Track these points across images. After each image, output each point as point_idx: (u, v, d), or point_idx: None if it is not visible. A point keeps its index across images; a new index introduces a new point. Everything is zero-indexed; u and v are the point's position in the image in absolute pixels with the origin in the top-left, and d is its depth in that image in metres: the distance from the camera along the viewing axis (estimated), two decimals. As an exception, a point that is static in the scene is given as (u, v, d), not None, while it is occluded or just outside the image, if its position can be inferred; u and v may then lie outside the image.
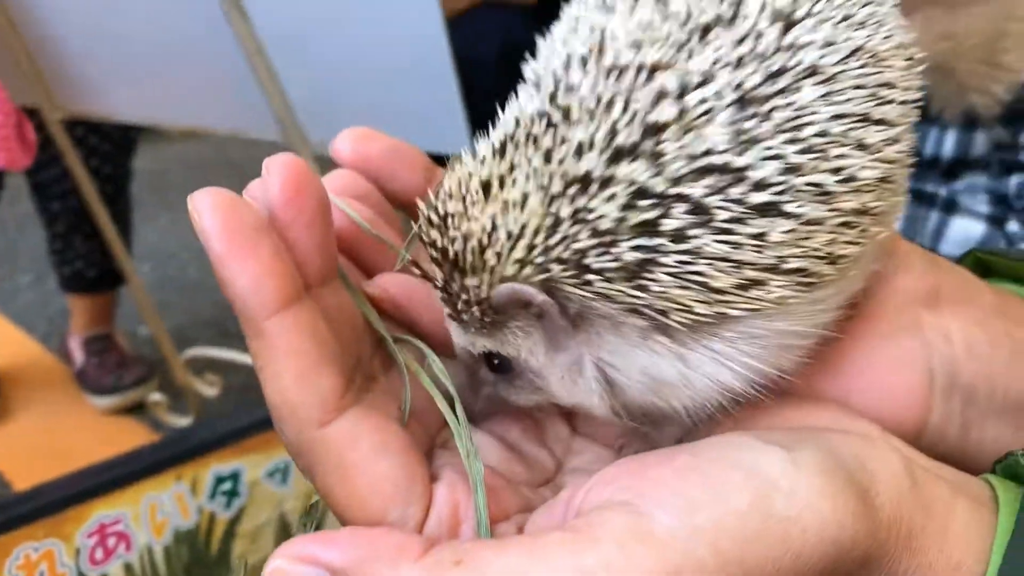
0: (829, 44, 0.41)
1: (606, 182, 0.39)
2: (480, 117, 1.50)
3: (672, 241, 0.39)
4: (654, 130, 0.39)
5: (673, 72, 0.40)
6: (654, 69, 0.40)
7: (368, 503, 0.40)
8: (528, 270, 0.41)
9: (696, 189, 0.39)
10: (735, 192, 0.39)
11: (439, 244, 0.43)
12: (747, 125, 0.39)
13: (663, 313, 0.40)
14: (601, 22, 0.43)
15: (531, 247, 0.40)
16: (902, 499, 0.40)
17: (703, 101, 0.39)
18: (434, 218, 0.43)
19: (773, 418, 0.45)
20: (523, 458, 0.48)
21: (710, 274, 0.39)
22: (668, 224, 0.39)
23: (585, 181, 0.40)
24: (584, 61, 0.42)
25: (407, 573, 0.35)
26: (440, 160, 0.51)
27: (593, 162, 0.40)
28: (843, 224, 0.41)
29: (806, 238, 0.40)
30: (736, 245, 0.39)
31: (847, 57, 0.42)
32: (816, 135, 0.40)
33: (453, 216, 0.42)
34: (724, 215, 0.39)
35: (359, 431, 0.41)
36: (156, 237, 3.28)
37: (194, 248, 3.20)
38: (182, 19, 1.41)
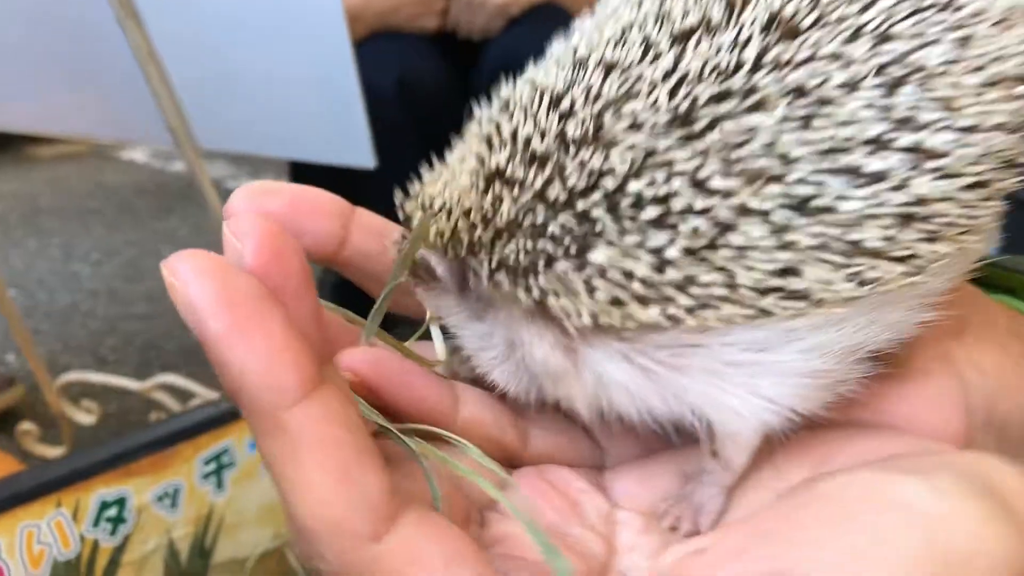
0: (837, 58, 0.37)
1: (516, 184, 0.40)
2: (380, 147, 1.48)
3: (558, 247, 0.39)
4: (567, 142, 0.39)
5: (622, 73, 0.39)
6: (608, 69, 0.40)
7: None
8: (442, 242, 0.42)
9: (586, 202, 0.39)
10: (625, 206, 0.38)
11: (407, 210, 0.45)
12: (662, 145, 0.38)
13: (552, 317, 0.40)
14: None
15: (455, 225, 0.42)
16: None
17: (633, 114, 0.38)
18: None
19: (855, 448, 0.41)
20: (570, 545, 0.41)
21: (597, 283, 0.38)
22: (554, 229, 0.39)
23: (499, 177, 0.40)
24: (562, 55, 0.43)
25: None
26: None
27: (507, 160, 0.40)
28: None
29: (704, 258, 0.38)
30: (627, 255, 0.38)
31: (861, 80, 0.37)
32: (759, 156, 0.37)
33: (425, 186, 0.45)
34: (613, 228, 0.38)
35: (424, 541, 0.33)
36: (23, 263, 3.12)
37: (64, 273, 3.05)
38: (69, 24, 1.35)
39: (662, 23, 0.40)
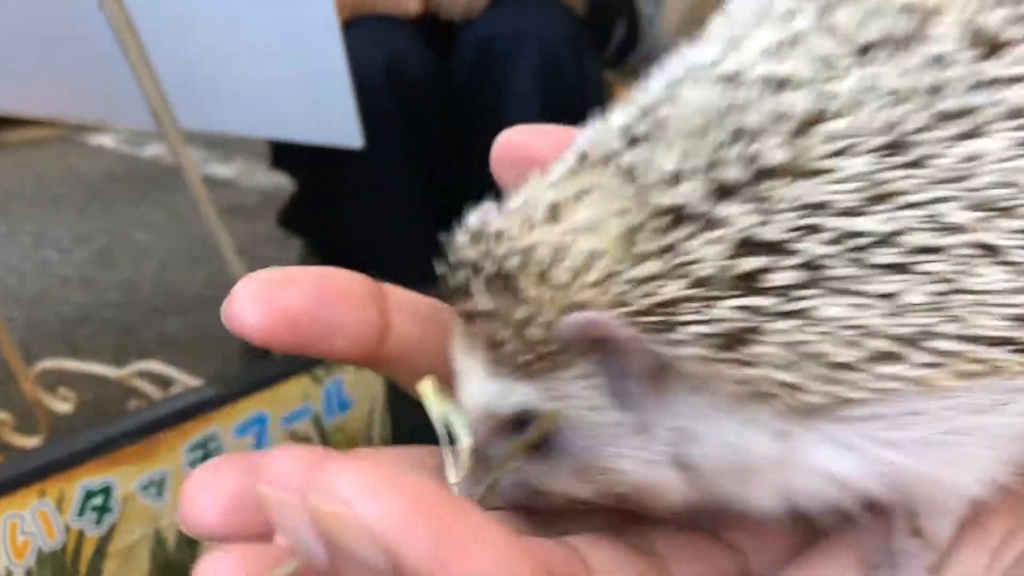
0: None
1: (708, 222, 0.32)
2: (368, 136, 1.45)
3: (779, 302, 0.32)
4: (765, 171, 0.33)
5: (808, 90, 0.33)
6: (783, 84, 0.34)
7: None
8: (605, 299, 0.33)
9: (808, 244, 0.32)
10: (853, 246, 0.32)
11: (481, 261, 0.35)
12: (887, 176, 0.32)
13: (766, 395, 0.33)
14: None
15: (610, 273, 0.33)
16: None
17: (837, 138, 0.33)
18: (476, 232, 0.36)
19: None
20: None
21: (826, 347, 0.32)
22: (775, 279, 0.32)
23: (677, 216, 0.33)
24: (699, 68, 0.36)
25: None
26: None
27: (688, 196, 0.33)
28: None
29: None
30: (859, 307, 0.32)
31: None
32: (991, 186, 0.32)
33: (507, 232, 0.35)
34: (841, 271, 0.32)
35: None
36: (-7, 249, 3.06)
37: (35, 260, 3.00)
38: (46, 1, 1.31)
39: (831, 35, 0.35)
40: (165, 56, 1.24)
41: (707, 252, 0.32)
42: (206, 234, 1.35)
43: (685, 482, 0.35)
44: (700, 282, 0.32)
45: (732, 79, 0.35)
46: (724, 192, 0.33)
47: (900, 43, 0.34)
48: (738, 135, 0.33)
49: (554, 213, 0.35)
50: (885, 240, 0.32)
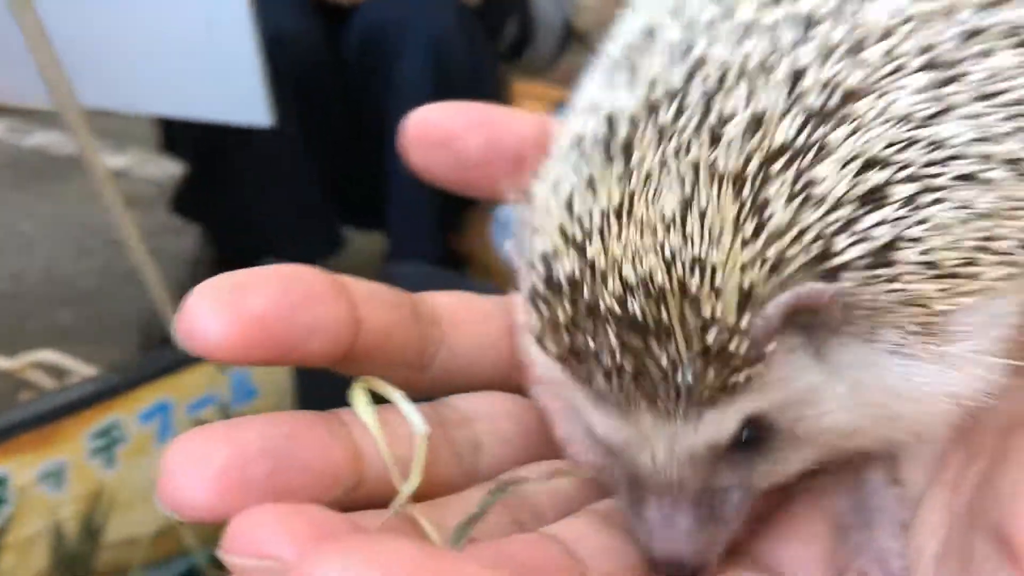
0: None
1: (820, 149, 0.32)
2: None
3: (907, 211, 0.32)
4: (846, 93, 0.33)
5: (834, 21, 0.34)
6: (809, 23, 0.35)
7: None
8: (774, 276, 0.32)
9: (911, 154, 0.33)
10: (940, 159, 0.33)
11: (612, 306, 0.32)
12: (944, 91, 0.34)
13: (909, 309, 0.33)
14: None
15: (766, 242, 0.31)
16: None
17: (890, 59, 0.34)
18: (573, 274, 0.33)
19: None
20: None
21: (943, 253, 0.32)
22: (898, 192, 0.32)
23: (791, 152, 0.32)
24: (708, 24, 0.36)
25: None
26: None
27: (790, 131, 0.33)
28: None
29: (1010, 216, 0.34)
30: (959, 219, 0.33)
31: None
32: (1016, 102, 0.34)
33: (616, 257, 0.32)
34: (939, 181, 0.33)
35: None
36: None
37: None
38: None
39: None
40: (65, 32, 1.20)
41: (832, 175, 0.32)
42: (96, 224, 1.30)
43: (871, 422, 0.35)
44: (837, 204, 0.32)
45: (751, 26, 0.35)
46: (821, 118, 0.33)
47: None
48: (799, 72, 0.34)
49: (629, 213, 0.33)
50: (957, 153, 0.33)
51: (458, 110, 0.43)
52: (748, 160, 0.32)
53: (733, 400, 0.32)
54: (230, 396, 1.32)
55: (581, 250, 0.33)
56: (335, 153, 2.09)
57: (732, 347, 0.31)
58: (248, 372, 1.34)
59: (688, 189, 0.33)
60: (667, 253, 0.32)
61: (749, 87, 0.34)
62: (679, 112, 0.34)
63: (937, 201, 0.32)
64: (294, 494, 0.31)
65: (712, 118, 0.33)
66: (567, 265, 0.33)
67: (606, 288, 0.32)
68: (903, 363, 0.33)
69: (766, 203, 0.32)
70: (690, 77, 0.35)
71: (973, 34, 0.35)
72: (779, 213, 0.32)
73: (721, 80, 0.34)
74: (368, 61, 2.06)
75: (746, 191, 0.32)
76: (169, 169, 2.89)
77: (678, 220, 0.32)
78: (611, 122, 0.35)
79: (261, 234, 2.00)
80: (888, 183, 0.32)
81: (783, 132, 0.33)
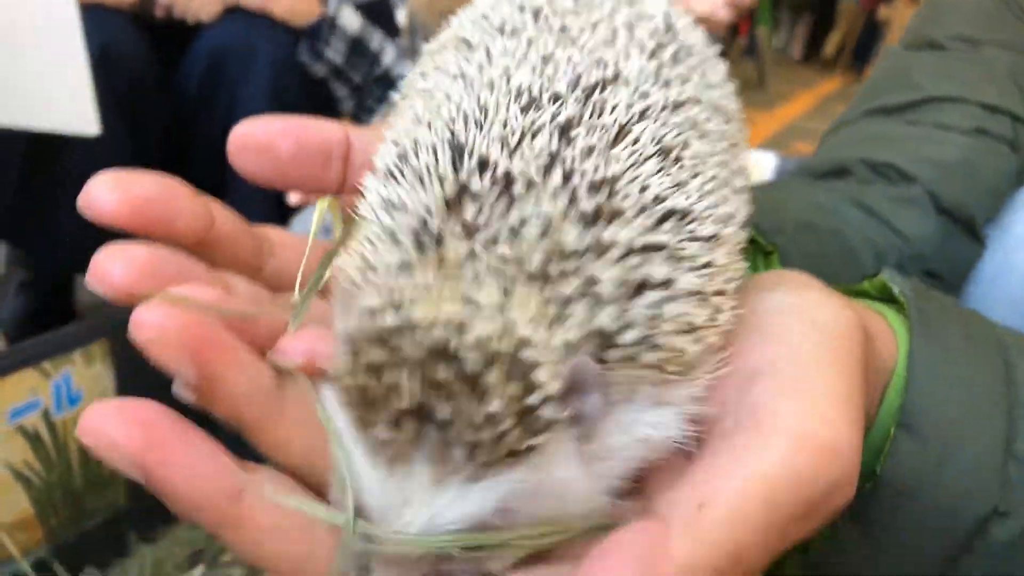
0: None
1: (602, 249, 0.37)
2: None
3: (664, 288, 0.38)
4: (607, 185, 0.39)
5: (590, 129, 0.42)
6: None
7: None
8: (555, 351, 0.35)
9: (663, 235, 0.39)
10: (688, 229, 0.41)
11: (418, 364, 0.34)
12: (672, 169, 0.42)
13: (663, 366, 0.38)
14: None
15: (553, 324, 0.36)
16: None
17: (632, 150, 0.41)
18: (384, 329, 0.35)
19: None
20: None
21: (692, 312, 0.39)
22: (657, 273, 0.38)
23: (572, 254, 0.37)
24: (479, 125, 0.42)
25: None
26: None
27: (574, 233, 0.37)
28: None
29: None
30: (703, 277, 0.40)
31: None
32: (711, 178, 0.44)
33: (425, 327, 0.35)
34: (687, 251, 0.40)
35: None
36: None
37: None
38: None
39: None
40: None
41: (609, 273, 0.37)
42: None
43: (607, 483, 0.39)
44: (610, 299, 0.37)
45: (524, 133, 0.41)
46: (596, 217, 0.38)
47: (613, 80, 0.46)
48: (568, 174, 0.40)
49: (451, 297, 0.36)
50: (700, 217, 0.42)
51: (272, 120, 0.50)
52: (526, 265, 0.37)
53: (498, 476, 0.34)
54: (53, 402, 1.31)
55: (398, 308, 0.36)
56: (165, 172, 2.07)
57: (508, 424, 0.34)
58: (70, 377, 1.33)
59: (493, 288, 0.36)
60: (465, 327, 0.35)
61: (536, 193, 0.38)
62: (479, 211, 0.38)
63: (687, 269, 0.40)
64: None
65: (512, 218, 0.38)
66: (387, 319, 0.36)
67: (412, 347, 0.35)
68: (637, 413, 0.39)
69: (567, 299, 0.36)
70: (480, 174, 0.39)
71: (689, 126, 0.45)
72: (572, 306, 0.36)
73: (508, 182, 0.39)
74: (211, 88, 2.10)
75: (546, 290, 0.36)
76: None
77: (481, 303, 0.36)
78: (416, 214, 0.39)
79: (75, 253, 1.96)
80: (646, 268, 0.39)
81: (568, 234, 0.37)
